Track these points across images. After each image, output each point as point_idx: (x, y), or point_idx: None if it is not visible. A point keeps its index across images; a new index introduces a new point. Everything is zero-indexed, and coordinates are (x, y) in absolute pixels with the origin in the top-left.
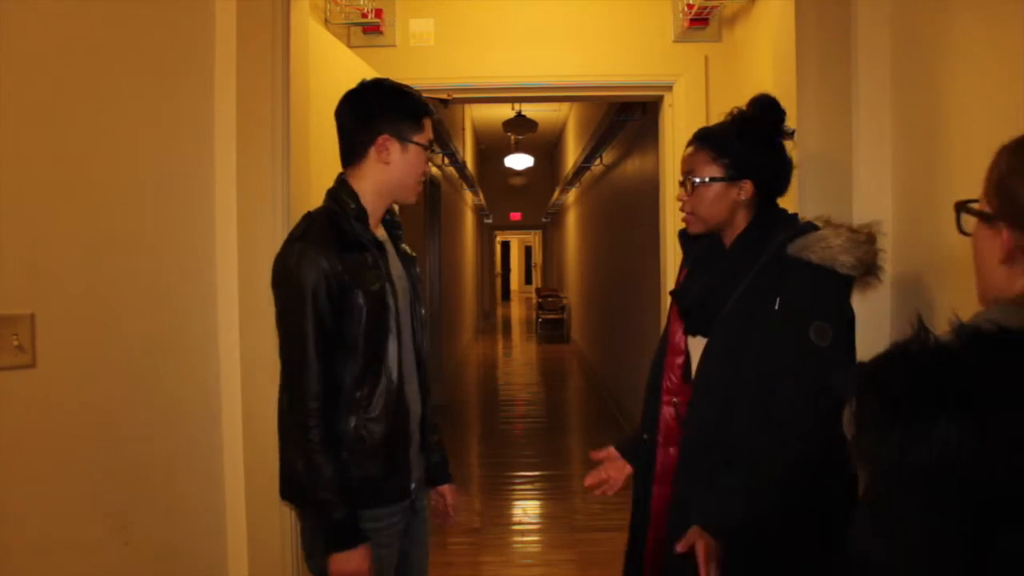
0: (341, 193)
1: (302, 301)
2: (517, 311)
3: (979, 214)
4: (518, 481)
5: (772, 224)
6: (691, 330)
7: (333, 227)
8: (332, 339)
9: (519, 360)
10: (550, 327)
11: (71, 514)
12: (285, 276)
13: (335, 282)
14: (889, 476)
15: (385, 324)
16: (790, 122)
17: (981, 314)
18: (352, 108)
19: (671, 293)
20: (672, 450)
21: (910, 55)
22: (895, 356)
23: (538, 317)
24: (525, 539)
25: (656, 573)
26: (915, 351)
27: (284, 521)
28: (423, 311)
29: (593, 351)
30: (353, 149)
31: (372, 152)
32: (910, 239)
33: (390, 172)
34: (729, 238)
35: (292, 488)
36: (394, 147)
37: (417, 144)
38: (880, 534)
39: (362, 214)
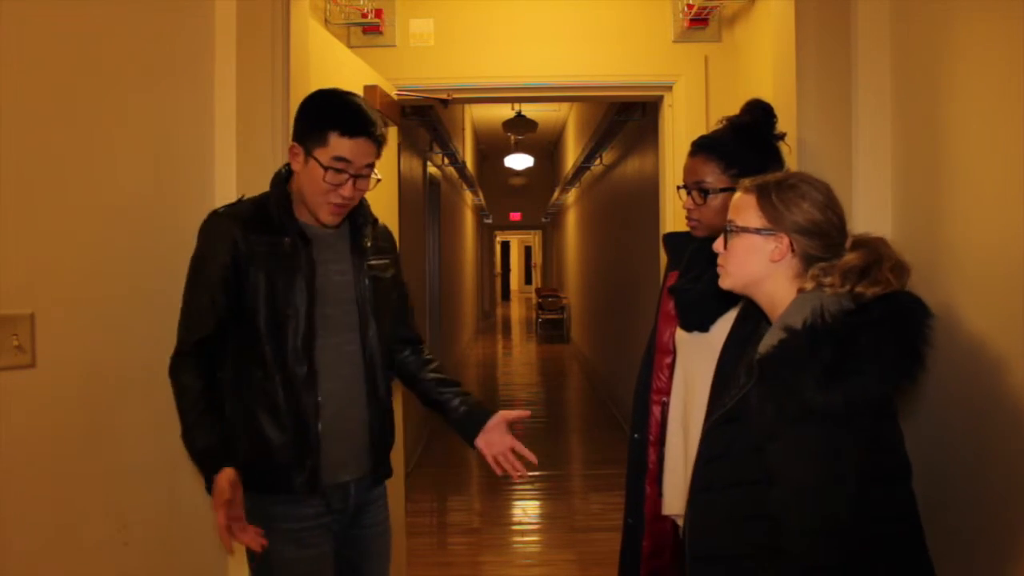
0: (277, 178)
1: (200, 263)
2: (517, 311)
3: (755, 231)
4: (518, 481)
5: None
6: (688, 327)
7: (258, 209)
8: (219, 304)
9: (519, 360)
10: (550, 327)
11: (71, 514)
12: (196, 244)
13: (233, 259)
14: (822, 416)
15: (286, 310)
16: (790, 123)
17: (801, 304)
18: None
19: (670, 290)
20: (662, 449)
21: (910, 55)
22: (818, 333)
23: (538, 317)
24: (525, 539)
25: None
26: (822, 331)
27: None
28: (382, 314)
29: (593, 351)
30: None
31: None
32: (911, 238)
33: (299, 179)
34: None
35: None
36: (299, 155)
37: (315, 159)
38: (800, 457)
39: (284, 199)
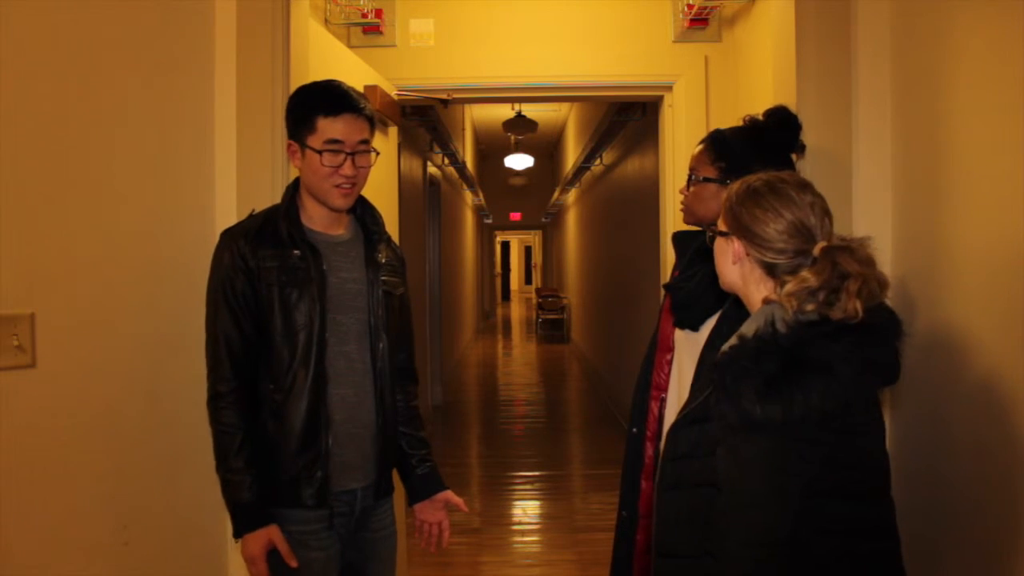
0: (287, 190)
1: (215, 288)
2: (517, 311)
3: (718, 232)
4: (518, 481)
5: None
6: (681, 324)
7: (268, 223)
8: (246, 330)
9: (519, 360)
10: (550, 327)
11: (71, 515)
12: (211, 267)
13: (244, 275)
14: (766, 425)
15: (297, 323)
16: None
17: (760, 313)
18: None
19: (664, 286)
20: (660, 444)
21: (911, 54)
22: (764, 343)
23: (538, 317)
24: (525, 539)
25: None
26: (769, 342)
27: None
28: (391, 324)
29: (593, 351)
30: None
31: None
32: (911, 239)
33: (303, 176)
34: None
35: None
36: (295, 152)
37: (309, 147)
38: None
39: (290, 211)
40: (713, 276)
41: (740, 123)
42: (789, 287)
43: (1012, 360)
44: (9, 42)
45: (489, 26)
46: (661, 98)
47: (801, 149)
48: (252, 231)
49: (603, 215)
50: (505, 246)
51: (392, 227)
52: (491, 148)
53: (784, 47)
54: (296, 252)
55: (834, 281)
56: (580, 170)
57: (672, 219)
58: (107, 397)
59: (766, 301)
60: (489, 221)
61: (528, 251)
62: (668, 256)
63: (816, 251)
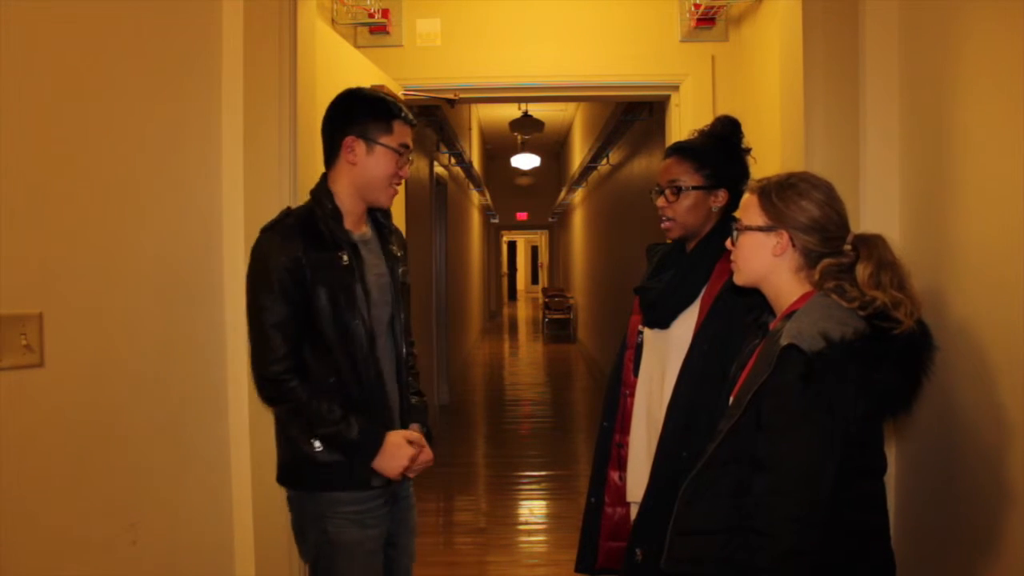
0: (320, 193)
1: (266, 282)
2: (523, 311)
3: (755, 228)
4: (524, 481)
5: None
6: (650, 323)
7: (308, 223)
8: (298, 323)
9: (525, 360)
10: (556, 327)
11: (79, 513)
12: (253, 261)
13: (298, 274)
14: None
15: (351, 322)
16: (798, 121)
17: (825, 309)
18: (327, 112)
19: (634, 289)
20: (626, 438)
21: (918, 55)
22: (860, 348)
23: (544, 317)
24: (531, 539)
25: (610, 560)
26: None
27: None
28: (403, 312)
29: (599, 351)
30: (328, 151)
31: (341, 154)
32: (918, 238)
33: (356, 172)
34: (692, 244)
35: (291, 463)
36: (360, 147)
37: (384, 146)
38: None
39: (336, 214)
40: (680, 279)
41: (690, 136)
42: (858, 279)
43: (1018, 358)
44: (19, 46)
45: (496, 26)
46: (668, 98)
47: (748, 151)
48: (300, 231)
49: (610, 215)
50: (512, 246)
51: (399, 227)
52: (497, 148)
53: (791, 46)
54: (343, 254)
55: (877, 269)
56: (587, 170)
57: None
58: (114, 396)
59: (807, 295)
60: (496, 221)
61: (535, 251)
62: None
63: (850, 238)
